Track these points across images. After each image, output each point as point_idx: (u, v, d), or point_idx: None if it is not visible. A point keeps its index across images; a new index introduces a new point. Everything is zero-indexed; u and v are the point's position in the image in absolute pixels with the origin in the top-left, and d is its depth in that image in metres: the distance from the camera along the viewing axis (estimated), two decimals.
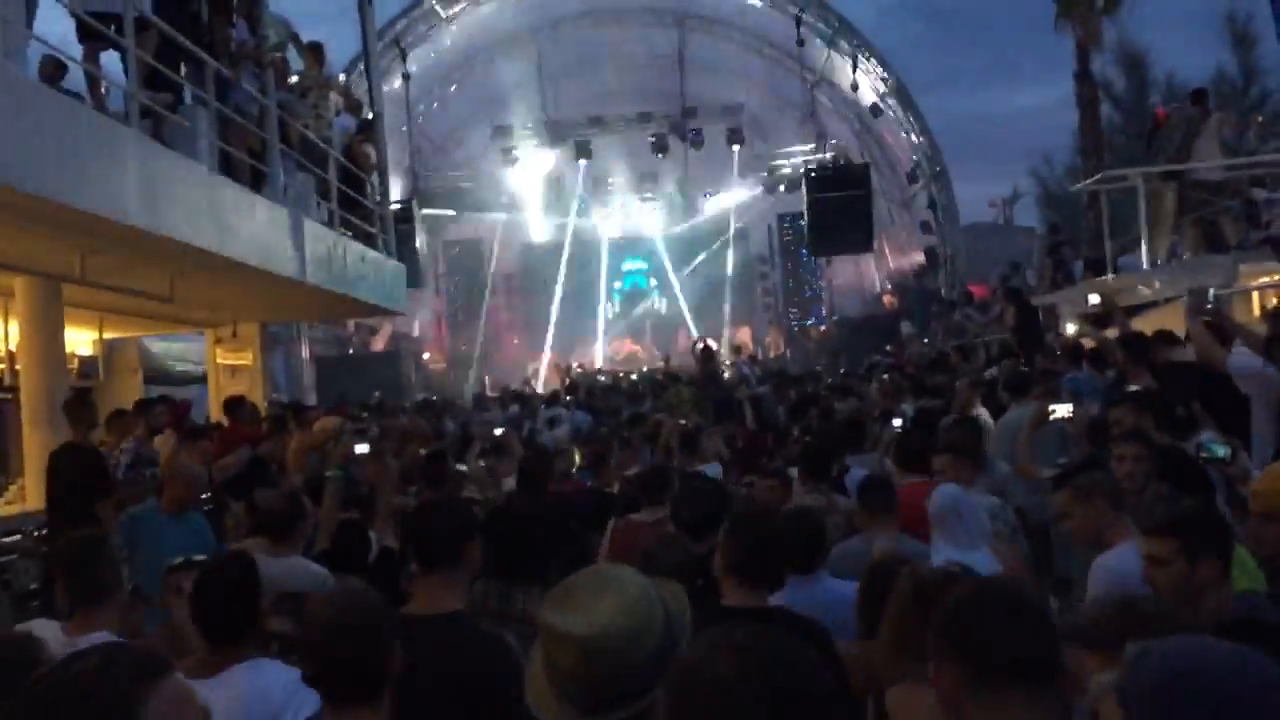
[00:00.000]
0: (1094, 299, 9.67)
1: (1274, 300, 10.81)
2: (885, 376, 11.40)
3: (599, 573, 2.20)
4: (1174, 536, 3.09)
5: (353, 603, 2.64)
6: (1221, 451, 4.88)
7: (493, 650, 3.12)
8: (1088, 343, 9.10)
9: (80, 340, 12.10)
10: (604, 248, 33.52)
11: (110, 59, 8.09)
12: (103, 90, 8.11)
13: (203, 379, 14.26)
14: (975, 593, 2.11)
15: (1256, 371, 5.44)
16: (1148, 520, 3.21)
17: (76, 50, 7.82)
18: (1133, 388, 6.46)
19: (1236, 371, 5.53)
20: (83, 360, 12.08)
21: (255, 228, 8.95)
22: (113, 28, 7.37)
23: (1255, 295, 11.38)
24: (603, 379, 23.15)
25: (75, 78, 8.22)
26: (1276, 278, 11.24)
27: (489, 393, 22.28)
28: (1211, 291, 6.26)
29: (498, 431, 9.43)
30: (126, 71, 7.48)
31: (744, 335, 32.55)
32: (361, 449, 6.48)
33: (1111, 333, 8.19)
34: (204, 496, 7.64)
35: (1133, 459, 4.56)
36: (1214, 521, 3.24)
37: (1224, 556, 3.13)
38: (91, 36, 7.68)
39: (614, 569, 2.22)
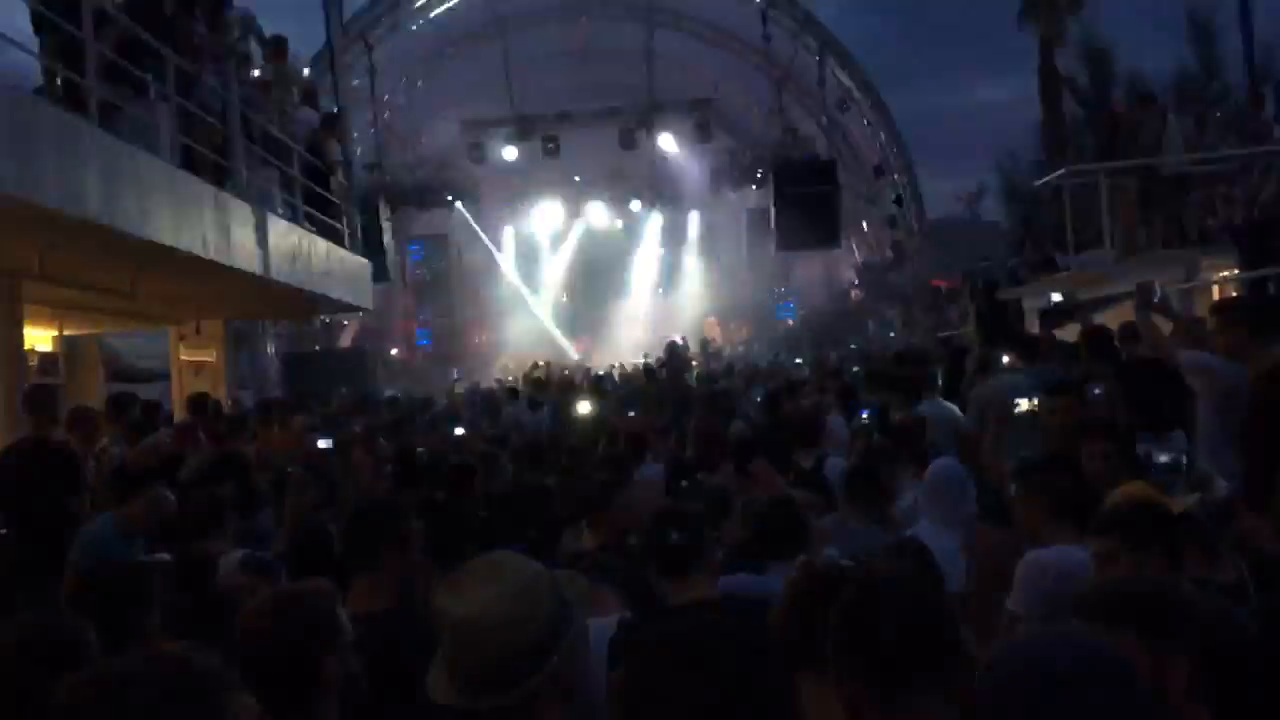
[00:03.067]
0: (1056, 295, 9.76)
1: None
2: (855, 370, 11.50)
3: (493, 559, 2.24)
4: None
5: (275, 609, 2.62)
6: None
7: (414, 644, 3.14)
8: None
9: (39, 337, 11.92)
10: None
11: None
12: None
13: (166, 376, 14.09)
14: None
15: (1207, 366, 5.48)
16: None
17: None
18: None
19: (1189, 366, 5.57)
20: (43, 357, 11.90)
21: (218, 224, 8.86)
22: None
23: (1215, 289, 11.51)
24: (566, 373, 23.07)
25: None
26: (1236, 271, 11.37)
27: (457, 390, 22.24)
28: (1158, 285, 6.29)
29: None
30: (84, 65, 7.37)
31: (712, 329, 32.58)
32: (324, 444, 6.44)
33: (1073, 328, 8.26)
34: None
35: (1100, 456, 4.59)
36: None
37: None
38: (48, 28, 7.56)
39: (510, 557, 2.26)
